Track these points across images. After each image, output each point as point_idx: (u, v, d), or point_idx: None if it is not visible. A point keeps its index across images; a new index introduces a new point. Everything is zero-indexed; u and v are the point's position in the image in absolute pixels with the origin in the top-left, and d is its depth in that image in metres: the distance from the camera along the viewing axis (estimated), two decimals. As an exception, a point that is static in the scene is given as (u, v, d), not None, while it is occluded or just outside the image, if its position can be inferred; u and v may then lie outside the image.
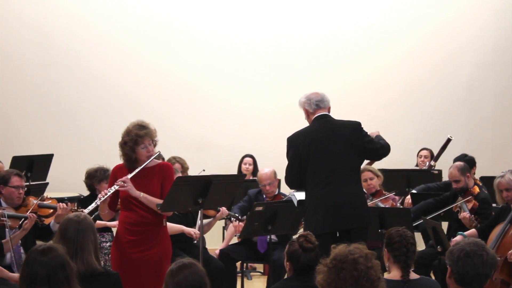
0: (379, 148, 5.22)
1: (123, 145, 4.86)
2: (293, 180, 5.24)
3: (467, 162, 7.05)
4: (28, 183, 7.21)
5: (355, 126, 5.19)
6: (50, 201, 5.72)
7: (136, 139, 4.81)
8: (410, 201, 6.70)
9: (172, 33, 9.17)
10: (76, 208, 5.49)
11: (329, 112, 5.25)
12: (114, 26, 9.09)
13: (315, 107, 5.19)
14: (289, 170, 5.22)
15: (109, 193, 4.79)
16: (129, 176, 4.80)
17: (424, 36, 9.37)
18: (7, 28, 9.03)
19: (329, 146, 5.07)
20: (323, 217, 5.01)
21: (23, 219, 5.19)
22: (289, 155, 5.19)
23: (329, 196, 5.03)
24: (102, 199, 4.79)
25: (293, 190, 5.57)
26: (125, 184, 4.76)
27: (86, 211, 4.87)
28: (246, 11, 9.28)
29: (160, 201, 4.83)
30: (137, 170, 4.82)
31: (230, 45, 9.24)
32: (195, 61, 9.20)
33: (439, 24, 9.39)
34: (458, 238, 5.73)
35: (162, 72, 9.16)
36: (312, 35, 9.32)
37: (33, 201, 5.51)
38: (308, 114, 5.23)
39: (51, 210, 5.48)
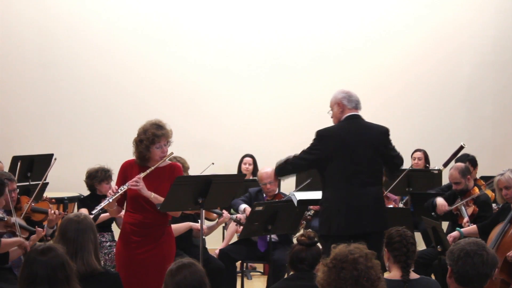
0: (398, 156, 5.29)
1: (139, 142, 4.83)
2: (299, 167, 5.25)
3: (470, 162, 7.06)
4: (28, 183, 7.22)
5: (384, 132, 5.24)
6: (46, 196, 5.74)
7: (153, 138, 4.79)
8: (446, 207, 6.28)
9: (172, 33, 9.17)
10: (67, 213, 5.49)
11: None
12: (114, 26, 9.10)
13: (354, 106, 5.19)
14: (303, 158, 5.15)
15: (121, 191, 4.76)
16: (141, 175, 4.77)
17: (424, 36, 9.37)
18: (7, 28, 9.03)
19: (357, 148, 5.06)
20: (346, 219, 4.98)
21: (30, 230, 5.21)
22: (314, 147, 5.12)
23: (354, 197, 5.01)
24: (114, 197, 4.76)
25: (293, 190, 5.56)
26: (138, 184, 4.74)
27: (97, 209, 4.86)
28: (247, 11, 9.28)
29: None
30: (149, 170, 4.79)
31: (230, 45, 9.24)
32: (195, 61, 9.20)
33: (439, 24, 9.39)
34: (455, 233, 5.77)
35: (162, 72, 9.16)
36: (312, 36, 9.32)
37: (27, 204, 5.50)
38: (343, 109, 5.17)
39: (44, 215, 5.47)
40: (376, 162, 5.15)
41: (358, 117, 5.20)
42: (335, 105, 5.21)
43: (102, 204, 4.85)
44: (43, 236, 5.25)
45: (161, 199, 4.79)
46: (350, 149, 5.05)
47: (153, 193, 4.76)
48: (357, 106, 5.20)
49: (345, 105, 5.17)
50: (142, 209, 4.83)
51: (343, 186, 5.04)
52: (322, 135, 5.15)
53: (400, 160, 5.33)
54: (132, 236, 4.84)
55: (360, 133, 5.12)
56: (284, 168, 5.32)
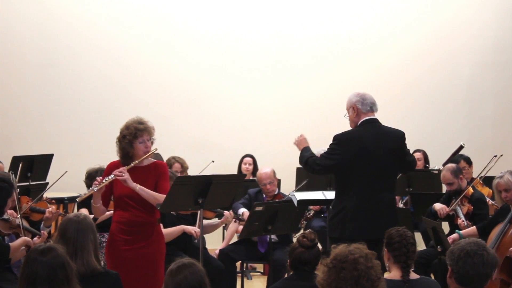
0: (414, 161, 5.28)
1: (121, 139, 4.86)
2: (315, 172, 5.17)
3: (465, 160, 7.08)
4: (28, 183, 7.21)
5: (401, 136, 5.14)
6: (45, 198, 5.73)
7: (136, 132, 4.81)
8: (445, 209, 6.24)
9: (172, 33, 9.17)
10: (64, 213, 5.47)
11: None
12: (114, 26, 9.10)
13: (369, 109, 5.06)
14: (320, 163, 5.02)
15: (105, 182, 4.74)
16: (126, 168, 4.77)
17: (424, 36, 9.37)
18: (7, 28, 9.04)
19: (377, 154, 4.96)
20: (362, 224, 4.92)
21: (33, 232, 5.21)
22: (334, 152, 5.00)
23: (371, 203, 4.95)
24: (99, 186, 4.74)
25: (293, 190, 5.54)
26: (123, 174, 4.73)
27: (81, 195, 4.87)
28: (247, 11, 9.28)
29: (158, 197, 4.81)
30: (134, 163, 4.80)
31: (230, 45, 9.25)
32: (195, 61, 9.20)
33: (439, 24, 9.39)
34: (454, 236, 5.77)
35: (162, 72, 9.17)
36: (312, 35, 9.32)
37: (26, 204, 5.50)
38: (358, 113, 5.05)
39: (42, 215, 5.47)
40: (393, 168, 5.11)
41: (375, 121, 5.07)
42: (350, 109, 5.10)
43: (88, 192, 4.86)
44: (47, 239, 5.25)
45: (147, 190, 4.77)
46: (370, 155, 4.94)
47: (138, 185, 4.75)
48: (372, 108, 5.06)
49: (360, 109, 5.05)
50: (129, 207, 4.82)
51: (361, 192, 4.95)
52: (342, 140, 5.01)
53: (414, 164, 5.33)
54: (120, 234, 4.83)
55: (379, 138, 5.00)
56: (303, 163, 5.20)
